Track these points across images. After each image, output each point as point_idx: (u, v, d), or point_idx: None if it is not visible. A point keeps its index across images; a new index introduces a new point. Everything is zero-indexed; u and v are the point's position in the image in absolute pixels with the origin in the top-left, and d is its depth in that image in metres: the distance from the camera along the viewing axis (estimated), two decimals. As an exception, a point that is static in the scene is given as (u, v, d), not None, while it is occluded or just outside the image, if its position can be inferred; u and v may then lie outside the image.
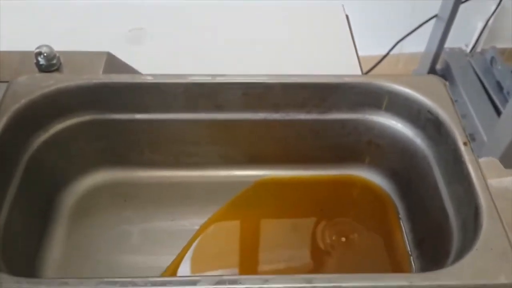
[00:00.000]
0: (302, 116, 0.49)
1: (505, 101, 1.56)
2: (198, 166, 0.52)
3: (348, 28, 0.68)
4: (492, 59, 1.68)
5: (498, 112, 1.55)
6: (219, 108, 0.48)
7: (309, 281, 0.33)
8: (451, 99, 0.45)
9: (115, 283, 0.32)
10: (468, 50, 1.77)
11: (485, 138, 1.50)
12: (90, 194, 0.50)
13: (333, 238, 0.49)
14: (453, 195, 0.42)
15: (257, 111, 0.49)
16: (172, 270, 0.45)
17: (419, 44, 1.77)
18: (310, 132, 0.50)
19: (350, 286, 0.33)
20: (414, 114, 0.46)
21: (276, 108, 0.49)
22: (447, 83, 0.47)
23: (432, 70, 1.72)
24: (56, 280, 0.31)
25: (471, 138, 1.59)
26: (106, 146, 0.50)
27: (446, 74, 1.76)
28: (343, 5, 0.73)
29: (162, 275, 0.45)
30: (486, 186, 0.39)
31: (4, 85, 0.46)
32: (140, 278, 0.32)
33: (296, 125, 0.50)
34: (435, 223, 0.44)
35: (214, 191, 0.51)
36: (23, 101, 0.43)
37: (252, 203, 0.51)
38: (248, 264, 0.47)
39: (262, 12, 0.73)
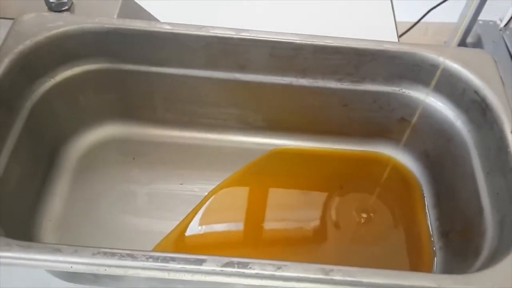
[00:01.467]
0: (333, 84, 0.45)
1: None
2: (214, 129, 0.48)
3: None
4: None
5: (528, 93, 1.48)
6: (242, 67, 0.44)
7: (326, 273, 0.29)
8: (501, 80, 0.40)
9: (113, 255, 0.29)
10: (502, 24, 1.68)
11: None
12: (96, 149, 0.46)
13: (350, 214, 0.46)
14: (492, 188, 0.38)
15: (284, 75, 0.44)
16: (174, 237, 0.43)
17: (450, 14, 1.68)
18: (338, 102, 0.46)
19: (371, 283, 0.29)
20: (458, 94, 0.42)
21: (304, 73, 0.44)
22: (497, 61, 0.42)
23: (463, 43, 1.64)
24: (49, 246, 0.28)
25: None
26: (116, 99, 0.46)
27: (477, 48, 1.67)
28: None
29: (162, 242, 0.42)
30: (534, 183, 0.34)
31: (8, 22, 0.42)
32: (140, 251, 0.29)
33: (324, 93, 0.45)
34: (467, 215, 0.40)
35: (229, 156, 0.48)
36: (27, 42, 0.39)
37: (267, 172, 0.48)
38: (253, 235, 0.44)
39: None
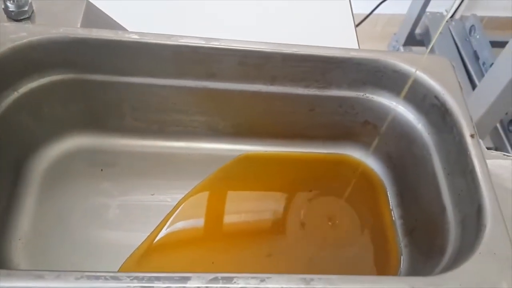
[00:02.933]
0: (300, 90, 0.46)
1: (479, 72, 1.56)
2: (184, 137, 0.48)
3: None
4: (472, 28, 1.67)
5: (472, 82, 1.56)
6: (211, 76, 0.44)
7: (307, 282, 0.30)
8: (459, 85, 0.42)
9: (97, 278, 0.28)
10: (449, 16, 1.75)
11: (457, 108, 1.51)
12: (63, 161, 0.45)
13: (320, 216, 0.48)
14: (452, 189, 0.40)
15: (253, 82, 0.45)
16: (143, 248, 0.43)
17: (399, 6, 1.74)
18: (305, 107, 0.47)
19: (349, 288, 0.31)
20: (419, 98, 0.44)
21: (273, 80, 0.45)
22: (455, 66, 0.44)
23: (412, 34, 1.70)
24: (31, 273, 0.28)
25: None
26: (83, 109, 0.45)
27: (425, 39, 1.74)
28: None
29: (132, 255, 0.42)
30: (491, 184, 0.37)
31: (-35, 32, 0.40)
32: (124, 273, 0.29)
33: (292, 99, 0.46)
34: (429, 214, 0.42)
35: (199, 164, 0.48)
36: (-11, 55, 0.38)
37: (235, 177, 0.48)
38: (222, 240, 0.45)
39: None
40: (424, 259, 0.41)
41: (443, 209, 0.40)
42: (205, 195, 0.46)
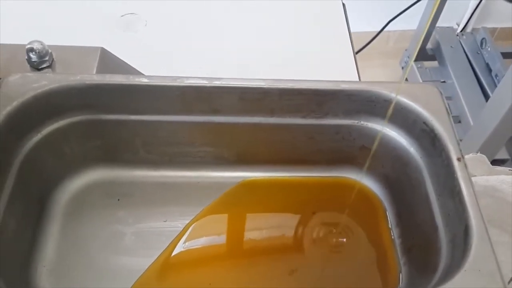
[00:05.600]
0: (298, 121, 0.49)
1: (493, 83, 1.57)
2: (192, 166, 0.52)
3: (346, 27, 0.67)
4: (483, 40, 1.68)
5: (486, 95, 1.56)
6: (215, 111, 0.48)
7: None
8: (447, 111, 0.45)
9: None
10: (459, 30, 1.76)
11: (471, 120, 1.52)
12: (83, 193, 0.50)
13: (324, 237, 0.50)
14: (443, 209, 0.43)
15: (253, 115, 0.48)
16: (151, 271, 0.46)
17: (410, 22, 1.76)
18: (304, 136, 0.50)
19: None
20: (410, 124, 0.47)
21: (272, 112, 0.48)
22: (443, 93, 0.47)
23: (422, 49, 1.72)
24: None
25: (457, 120, 1.61)
26: (99, 146, 0.49)
27: (436, 54, 1.76)
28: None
29: (141, 278, 0.45)
30: (478, 205, 0.39)
31: (-6, 82, 0.45)
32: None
33: (291, 129, 0.50)
34: (424, 233, 0.45)
35: (207, 190, 0.51)
36: (15, 103, 0.42)
37: (238, 202, 0.52)
38: (229, 262, 0.48)
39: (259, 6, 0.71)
40: (420, 276, 0.44)
41: (435, 228, 0.43)
42: (211, 218, 0.50)
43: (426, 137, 0.45)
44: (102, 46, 0.53)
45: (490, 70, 1.61)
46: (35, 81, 0.44)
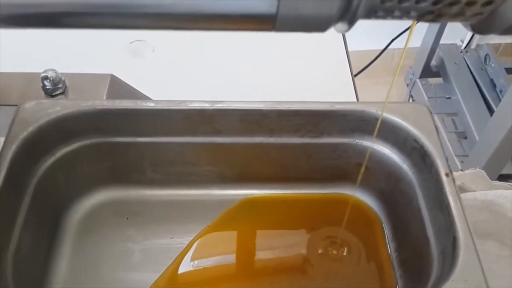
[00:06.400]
0: (296, 140, 0.52)
1: (497, 99, 1.58)
2: (197, 185, 0.55)
3: (344, 49, 0.70)
4: (486, 56, 1.70)
5: (491, 110, 1.58)
6: (217, 132, 0.51)
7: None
8: (436, 129, 0.48)
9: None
10: (463, 46, 1.79)
11: (476, 136, 1.53)
12: (94, 212, 0.52)
13: (324, 252, 0.52)
14: (434, 223, 0.45)
15: (254, 136, 0.51)
16: (157, 286, 0.48)
17: (415, 40, 1.79)
18: (303, 154, 0.53)
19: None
20: (401, 142, 0.49)
21: (271, 132, 0.51)
22: (433, 112, 0.49)
23: (427, 66, 1.74)
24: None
25: (463, 136, 1.62)
26: (109, 167, 0.52)
27: (440, 71, 1.78)
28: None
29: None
30: (465, 218, 0.41)
31: (11, 108, 0.48)
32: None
33: (290, 148, 0.52)
34: (417, 246, 0.47)
35: (212, 209, 0.54)
36: (30, 128, 0.46)
37: (240, 218, 0.54)
38: (231, 277, 0.50)
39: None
40: (415, 287, 0.46)
41: (427, 241, 0.45)
42: (214, 234, 0.52)
43: (417, 154, 0.48)
44: (112, 72, 0.56)
45: (494, 86, 1.62)
46: (49, 107, 0.47)
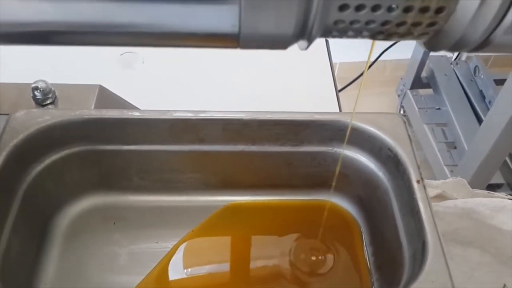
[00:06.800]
0: (277, 148, 0.54)
1: (487, 109, 1.61)
2: (182, 192, 0.57)
3: (328, 61, 0.73)
4: (476, 68, 1.73)
5: (480, 121, 1.60)
6: (201, 141, 0.53)
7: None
8: (409, 138, 0.50)
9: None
10: (453, 58, 1.82)
11: (466, 146, 1.56)
12: (82, 218, 0.54)
13: (305, 257, 0.54)
14: (406, 228, 0.47)
15: (236, 144, 0.53)
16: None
17: (406, 51, 1.82)
18: (284, 162, 0.55)
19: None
20: (377, 150, 0.51)
21: (253, 141, 0.53)
22: (407, 121, 0.52)
23: (417, 78, 1.77)
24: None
25: (452, 146, 1.64)
26: (97, 174, 0.54)
27: (431, 82, 1.80)
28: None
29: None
30: (434, 223, 0.43)
31: (3, 117, 0.50)
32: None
33: (271, 156, 0.54)
34: (391, 250, 0.49)
35: (196, 214, 0.56)
36: (21, 136, 0.48)
37: (223, 224, 0.56)
38: (214, 282, 0.52)
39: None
40: (388, 290, 0.48)
41: (400, 245, 0.47)
42: (198, 239, 0.54)
43: (391, 162, 0.50)
44: (104, 82, 0.58)
45: (483, 97, 1.65)
46: (39, 116, 0.49)
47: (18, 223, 0.47)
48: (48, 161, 0.51)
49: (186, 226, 0.55)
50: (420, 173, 0.47)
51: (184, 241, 0.54)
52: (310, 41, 0.25)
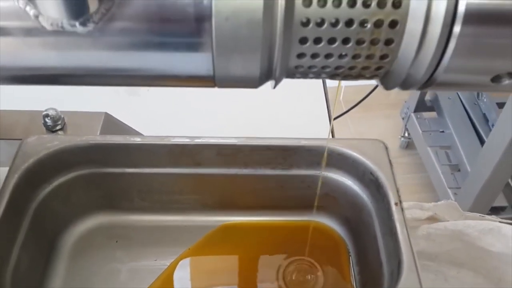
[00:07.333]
0: (268, 172, 0.58)
1: (490, 132, 1.62)
2: (180, 212, 0.60)
3: (323, 89, 0.77)
4: (479, 92, 1.75)
5: (483, 144, 1.62)
6: (197, 164, 0.57)
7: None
8: (390, 163, 0.53)
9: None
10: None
11: (469, 169, 1.57)
12: (87, 236, 0.58)
13: (295, 275, 0.58)
14: (386, 248, 0.50)
15: (230, 167, 0.57)
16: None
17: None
18: (275, 185, 0.59)
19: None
20: (360, 174, 0.55)
21: (246, 165, 0.57)
22: (388, 146, 0.55)
23: (421, 101, 1.80)
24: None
25: (456, 168, 1.66)
26: (101, 195, 0.58)
27: (435, 105, 1.83)
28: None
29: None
30: (410, 243, 0.47)
31: (16, 142, 0.55)
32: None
33: (263, 179, 0.58)
34: (374, 269, 0.52)
35: (193, 233, 0.60)
36: (31, 160, 0.52)
37: (220, 243, 0.60)
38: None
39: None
40: (370, 307, 0.51)
41: (380, 264, 0.50)
42: (194, 256, 0.58)
43: (373, 185, 0.53)
44: (110, 109, 0.63)
45: (487, 120, 1.67)
46: (49, 142, 0.54)
47: (27, 240, 0.51)
48: (56, 182, 0.55)
49: (183, 245, 0.59)
50: (399, 196, 0.51)
51: (181, 259, 0.58)
52: (276, 81, 0.29)
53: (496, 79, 0.29)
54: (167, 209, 0.60)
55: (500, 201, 1.55)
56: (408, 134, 1.88)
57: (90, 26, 0.25)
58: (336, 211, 0.60)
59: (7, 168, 0.51)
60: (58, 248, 0.57)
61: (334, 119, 1.46)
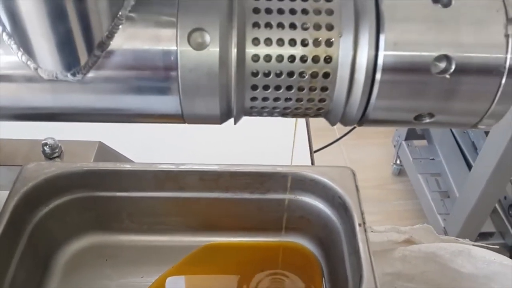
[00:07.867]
0: (247, 195, 0.63)
1: (478, 160, 1.67)
2: (166, 233, 0.65)
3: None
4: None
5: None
6: (182, 188, 0.62)
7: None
8: (356, 188, 0.58)
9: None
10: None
11: (457, 194, 1.61)
12: (79, 254, 0.63)
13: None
14: (352, 266, 0.55)
15: (212, 192, 0.62)
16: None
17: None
18: (254, 208, 0.64)
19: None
20: (330, 198, 0.60)
21: (227, 189, 0.62)
22: (355, 173, 0.60)
23: (412, 129, 1.85)
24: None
25: (445, 195, 1.69)
26: (93, 217, 0.63)
27: (425, 133, 1.88)
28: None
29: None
30: (370, 260, 0.51)
31: (17, 168, 0.60)
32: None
33: (243, 202, 0.63)
34: (342, 285, 0.56)
35: (178, 252, 0.64)
36: (30, 184, 0.57)
37: (203, 262, 0.64)
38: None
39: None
40: (337, 321, 0.55)
41: (347, 280, 0.55)
42: (178, 274, 0.62)
43: (342, 208, 0.58)
44: (104, 137, 0.69)
45: (475, 148, 1.71)
46: (46, 168, 0.59)
47: (24, 257, 0.56)
48: (52, 205, 0.60)
49: (169, 263, 0.63)
50: (363, 218, 0.55)
51: (166, 276, 0.62)
52: (236, 119, 0.35)
53: (418, 117, 0.34)
54: (154, 230, 0.65)
55: (488, 227, 1.59)
56: (400, 161, 1.93)
57: (80, 76, 0.31)
58: (310, 232, 0.65)
59: (7, 192, 0.56)
60: (53, 265, 0.62)
61: (328, 145, 1.51)
